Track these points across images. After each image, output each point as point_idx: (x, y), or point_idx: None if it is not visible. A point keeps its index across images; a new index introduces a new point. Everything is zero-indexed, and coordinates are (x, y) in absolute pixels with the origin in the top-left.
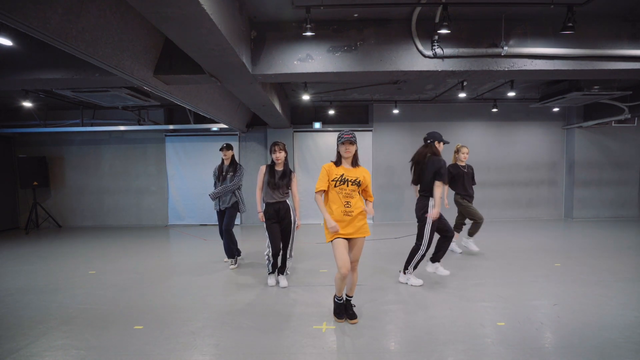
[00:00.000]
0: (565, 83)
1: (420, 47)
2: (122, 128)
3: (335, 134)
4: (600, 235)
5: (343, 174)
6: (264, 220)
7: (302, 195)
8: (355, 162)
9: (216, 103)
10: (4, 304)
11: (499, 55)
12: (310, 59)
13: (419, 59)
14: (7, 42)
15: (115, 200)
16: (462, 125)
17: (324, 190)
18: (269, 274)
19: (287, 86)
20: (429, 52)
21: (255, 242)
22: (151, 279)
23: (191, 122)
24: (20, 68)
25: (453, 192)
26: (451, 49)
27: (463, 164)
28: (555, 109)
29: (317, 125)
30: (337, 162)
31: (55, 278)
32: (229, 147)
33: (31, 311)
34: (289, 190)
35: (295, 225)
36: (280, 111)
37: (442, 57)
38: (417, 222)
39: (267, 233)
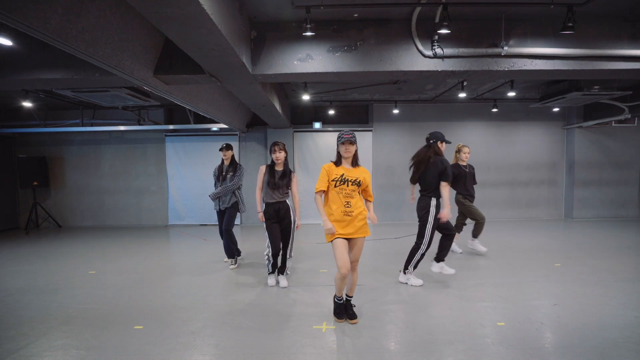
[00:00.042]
0: (565, 83)
1: (420, 47)
2: (122, 128)
3: (335, 134)
4: (600, 235)
5: (343, 174)
6: (264, 220)
7: (302, 195)
8: (355, 162)
9: (216, 103)
10: (4, 304)
11: (499, 55)
12: (310, 59)
13: (419, 59)
14: (7, 42)
15: (115, 200)
16: (462, 125)
17: (324, 191)
18: (269, 274)
19: (287, 86)
20: (429, 52)
21: (255, 242)
22: (151, 279)
23: (191, 122)
24: (20, 68)
25: (454, 192)
26: (451, 49)
27: (464, 163)
28: (555, 109)
29: (317, 125)
30: (337, 162)
31: (55, 278)
32: (228, 147)
33: (31, 311)
34: (289, 190)
35: (295, 225)
36: (280, 111)
37: (442, 57)
38: (418, 221)
39: (267, 233)
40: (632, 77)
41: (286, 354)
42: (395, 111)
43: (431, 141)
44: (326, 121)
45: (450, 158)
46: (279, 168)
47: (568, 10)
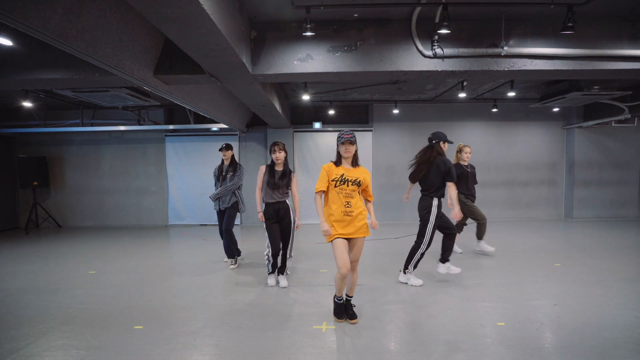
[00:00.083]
0: (565, 83)
1: (420, 47)
2: (122, 128)
3: (335, 134)
4: (600, 235)
5: (343, 174)
6: (264, 220)
7: (302, 195)
8: (355, 162)
9: (216, 103)
10: (4, 304)
11: (499, 55)
12: (310, 59)
13: (419, 59)
14: (7, 42)
15: (115, 200)
16: (462, 125)
17: (324, 191)
18: (268, 274)
19: (287, 86)
20: (429, 52)
21: (255, 242)
22: (151, 279)
23: (191, 122)
24: (20, 68)
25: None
26: (451, 49)
27: (466, 163)
28: (555, 109)
29: (317, 125)
30: (337, 162)
31: (55, 278)
32: (228, 147)
33: (31, 311)
34: (289, 190)
35: (295, 226)
36: (280, 111)
37: (442, 57)
38: (420, 220)
39: (266, 233)
40: (632, 77)
41: (286, 354)
42: (395, 111)
43: (434, 141)
44: (326, 121)
45: (450, 158)
46: (279, 168)
47: (568, 10)
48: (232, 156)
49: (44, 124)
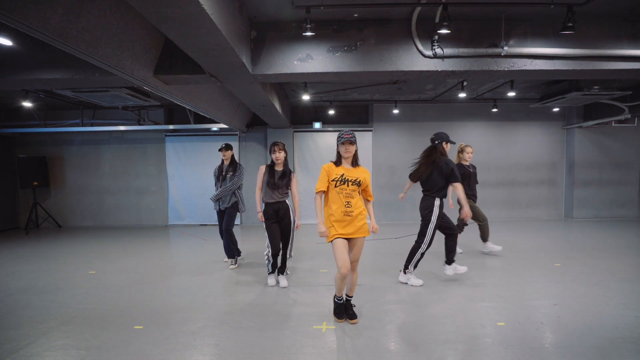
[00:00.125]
0: (565, 83)
1: (420, 47)
2: (122, 128)
3: (335, 134)
4: (600, 235)
5: (343, 174)
6: (264, 220)
7: (302, 195)
8: (355, 162)
9: (216, 103)
10: (4, 304)
11: (499, 55)
12: (310, 59)
13: (419, 59)
14: (7, 42)
15: (115, 200)
16: (462, 125)
17: (324, 191)
18: (268, 274)
19: (287, 86)
20: (429, 52)
21: (255, 242)
22: (151, 279)
23: (191, 122)
24: (20, 68)
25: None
26: (451, 49)
27: (467, 163)
28: (555, 109)
29: (317, 125)
30: (337, 162)
31: (55, 278)
32: (227, 147)
33: (31, 311)
34: (289, 190)
35: (295, 225)
36: (280, 111)
37: (442, 57)
38: (421, 220)
39: (266, 233)
40: (632, 77)
41: (286, 354)
42: (395, 111)
43: (436, 142)
44: (326, 121)
45: (451, 158)
46: (279, 168)
47: (568, 10)
48: (232, 156)
49: (44, 124)
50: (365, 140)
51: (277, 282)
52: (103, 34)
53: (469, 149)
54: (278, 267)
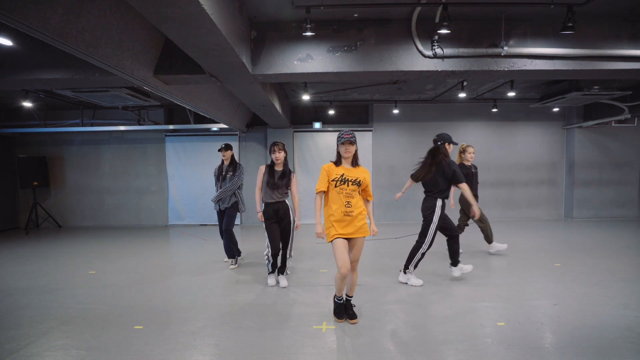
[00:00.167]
0: (565, 83)
1: (420, 47)
2: (122, 128)
3: (335, 134)
4: (600, 235)
5: (343, 174)
6: (263, 220)
7: (302, 195)
8: (355, 162)
9: (216, 103)
10: (4, 304)
11: (499, 55)
12: (310, 59)
13: (419, 59)
14: (7, 42)
15: (115, 200)
16: (462, 125)
17: (324, 192)
18: (268, 274)
19: (287, 86)
20: (429, 52)
21: (255, 242)
22: (151, 279)
23: (191, 122)
24: (20, 68)
25: (459, 192)
26: (451, 49)
27: (469, 163)
28: (555, 109)
29: (317, 125)
30: (337, 162)
31: (55, 278)
32: (227, 147)
33: (31, 311)
34: (288, 190)
35: (295, 226)
36: (280, 111)
37: (442, 57)
38: (423, 220)
39: (266, 233)
40: (632, 77)
41: (286, 353)
42: (395, 111)
43: (439, 143)
44: (326, 121)
45: (453, 158)
46: (279, 168)
47: (568, 10)
48: (232, 156)
49: (44, 124)
50: (365, 140)
51: (277, 282)
52: (103, 34)
53: (470, 149)
54: (278, 267)
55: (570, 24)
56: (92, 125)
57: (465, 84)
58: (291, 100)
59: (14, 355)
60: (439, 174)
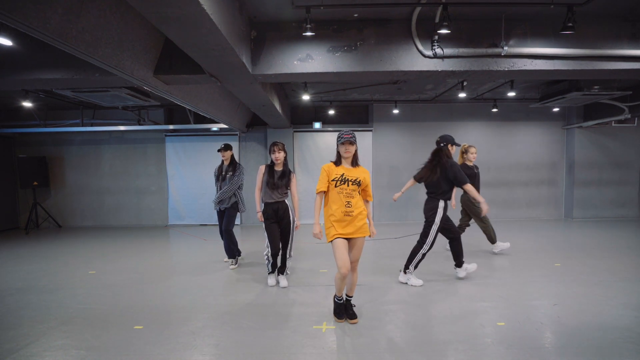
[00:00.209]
0: (565, 83)
1: (420, 47)
2: (122, 128)
3: (335, 134)
4: (600, 235)
5: (343, 174)
6: (263, 220)
7: (302, 195)
8: (355, 162)
9: (216, 103)
10: (4, 304)
11: (499, 55)
12: (310, 59)
13: (419, 59)
14: (7, 42)
15: (115, 200)
16: (462, 125)
17: (325, 192)
18: (268, 274)
19: (287, 86)
20: (429, 52)
21: (255, 242)
22: (151, 279)
23: (191, 122)
24: (20, 68)
25: (461, 192)
26: (451, 49)
27: (471, 164)
28: (555, 109)
29: (317, 125)
30: (337, 162)
31: (55, 278)
32: (227, 147)
33: (31, 311)
34: (288, 190)
35: (295, 226)
36: (280, 111)
37: (442, 57)
38: (425, 221)
39: (266, 233)
40: (632, 77)
41: (286, 353)
42: (395, 111)
43: (442, 144)
44: (326, 121)
45: (454, 158)
46: (279, 168)
47: (568, 10)
48: (232, 156)
49: (44, 124)
50: (365, 140)
51: (277, 282)
52: (103, 34)
53: (472, 150)
54: (278, 267)
55: (570, 24)
56: (92, 125)
57: (465, 84)
58: (291, 100)
59: (14, 355)
60: (445, 175)
